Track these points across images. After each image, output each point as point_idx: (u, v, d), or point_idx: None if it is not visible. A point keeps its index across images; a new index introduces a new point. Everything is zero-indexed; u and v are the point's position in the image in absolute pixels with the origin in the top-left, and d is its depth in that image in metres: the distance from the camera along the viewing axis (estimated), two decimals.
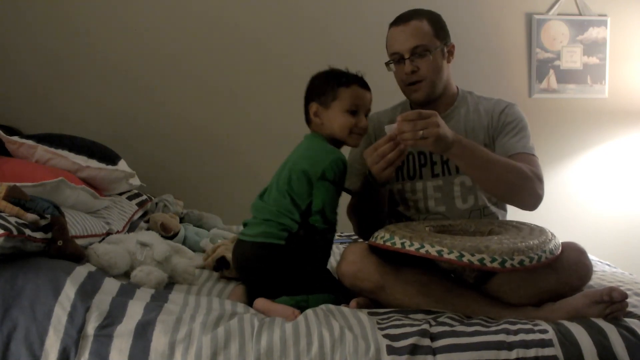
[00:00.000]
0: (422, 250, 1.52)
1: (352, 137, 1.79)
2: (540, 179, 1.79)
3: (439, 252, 1.50)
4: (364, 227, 1.96)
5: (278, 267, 1.71)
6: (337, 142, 1.82)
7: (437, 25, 1.89)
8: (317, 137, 1.81)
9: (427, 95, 1.89)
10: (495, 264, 1.48)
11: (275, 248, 1.71)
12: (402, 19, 1.89)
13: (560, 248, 1.63)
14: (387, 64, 1.92)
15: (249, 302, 1.71)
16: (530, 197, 1.78)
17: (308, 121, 1.85)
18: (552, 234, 1.67)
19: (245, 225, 1.83)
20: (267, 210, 1.75)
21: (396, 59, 1.89)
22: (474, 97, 1.99)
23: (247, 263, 1.76)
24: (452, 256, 1.49)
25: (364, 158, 1.71)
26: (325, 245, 1.81)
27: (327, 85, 1.80)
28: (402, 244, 1.56)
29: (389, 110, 2.05)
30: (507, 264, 1.48)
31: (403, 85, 1.92)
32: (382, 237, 1.62)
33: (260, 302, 1.64)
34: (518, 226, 1.74)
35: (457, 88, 2.00)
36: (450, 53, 1.93)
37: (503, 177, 1.72)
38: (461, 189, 1.91)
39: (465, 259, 1.48)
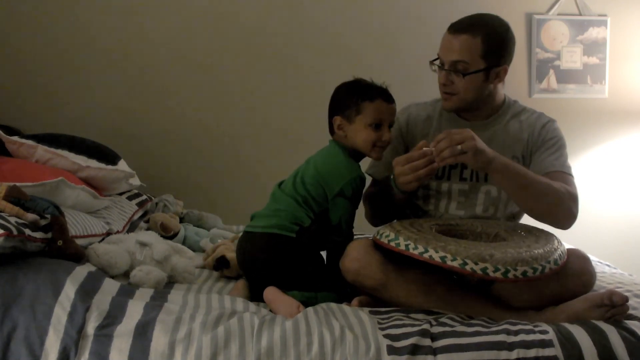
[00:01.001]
0: (426, 255, 1.52)
1: (375, 151, 1.79)
2: (575, 199, 1.76)
3: (442, 258, 1.50)
4: (376, 218, 1.98)
5: (285, 260, 1.72)
6: (359, 154, 1.82)
7: (492, 45, 1.78)
8: (339, 148, 1.81)
9: (456, 108, 1.86)
10: (498, 274, 1.47)
11: (286, 240, 1.72)
12: (456, 28, 1.80)
13: (566, 257, 1.62)
14: (431, 62, 1.86)
15: (251, 297, 1.71)
16: (565, 217, 1.75)
17: (331, 131, 1.84)
18: (558, 242, 1.65)
19: (252, 218, 1.83)
20: (284, 200, 1.76)
21: (438, 63, 1.85)
22: (517, 107, 1.94)
23: (255, 254, 1.76)
24: (456, 263, 1.48)
25: (393, 165, 1.70)
26: (338, 249, 1.80)
27: (351, 99, 1.78)
28: (407, 246, 1.56)
29: (428, 104, 1.99)
30: (510, 275, 1.48)
31: (440, 90, 1.88)
32: (387, 236, 1.62)
33: (270, 290, 1.64)
34: (525, 232, 1.72)
35: (505, 97, 1.93)
36: (498, 76, 1.83)
37: (540, 196, 1.70)
38: (485, 197, 1.88)
39: (468, 267, 1.48)
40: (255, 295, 1.73)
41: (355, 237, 1.84)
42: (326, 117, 1.86)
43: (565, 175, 1.81)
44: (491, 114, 1.91)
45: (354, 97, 1.78)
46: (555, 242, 1.65)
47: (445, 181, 1.90)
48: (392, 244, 1.59)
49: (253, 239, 1.78)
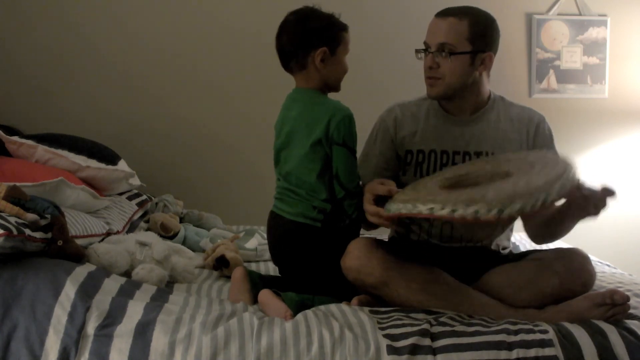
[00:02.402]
0: (415, 211, 1.46)
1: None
2: None
3: (430, 209, 1.42)
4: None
5: (314, 250, 1.71)
6: (325, 91, 1.78)
7: (478, 30, 1.77)
8: (312, 94, 1.75)
9: (442, 94, 1.82)
10: (493, 214, 1.33)
11: (313, 230, 1.72)
12: (444, 12, 1.80)
13: (576, 180, 1.46)
14: (417, 51, 1.84)
15: (252, 287, 1.71)
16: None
17: (302, 66, 1.74)
18: (568, 166, 1.48)
19: (277, 199, 1.81)
20: (296, 193, 1.75)
21: (424, 49, 1.82)
22: (505, 104, 1.92)
23: (286, 239, 1.76)
24: (444, 212, 1.39)
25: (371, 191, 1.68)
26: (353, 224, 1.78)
27: (332, 29, 1.73)
28: (397, 209, 1.51)
29: (412, 103, 1.95)
30: (506, 212, 1.33)
31: (425, 76, 1.85)
32: (386, 210, 1.58)
33: (264, 293, 1.64)
34: (533, 161, 1.58)
35: (490, 92, 1.92)
36: (484, 63, 1.80)
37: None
38: None
39: (457, 214, 1.37)
40: (256, 285, 1.71)
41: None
42: None
43: None
44: (477, 109, 1.88)
45: (334, 27, 1.74)
46: (564, 166, 1.48)
47: None
48: (385, 215, 1.57)
49: (284, 224, 1.76)
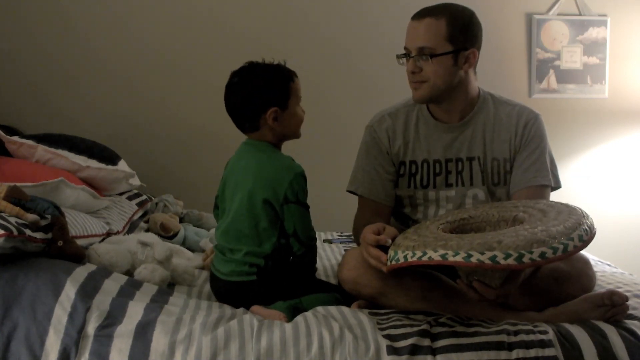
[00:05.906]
0: (425, 258, 1.36)
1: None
2: None
3: (442, 256, 1.33)
4: None
5: (256, 299, 1.64)
6: (281, 143, 1.77)
7: (457, 27, 1.73)
8: (266, 149, 1.73)
9: (428, 97, 1.79)
10: (511, 260, 1.26)
11: (248, 284, 1.68)
12: (420, 14, 1.76)
13: (595, 230, 1.42)
14: (398, 56, 1.81)
15: None
16: None
17: (255, 128, 1.72)
18: (583, 215, 1.46)
19: (215, 255, 1.78)
20: (231, 251, 1.71)
21: (405, 53, 1.79)
22: (496, 102, 1.87)
23: (226, 298, 1.71)
24: (459, 258, 1.29)
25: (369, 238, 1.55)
26: (306, 266, 1.76)
27: (279, 85, 1.70)
28: (405, 257, 1.41)
29: (400, 110, 1.91)
30: (525, 259, 1.26)
31: (409, 81, 1.82)
32: (390, 258, 1.49)
33: (254, 308, 1.62)
34: (545, 209, 1.52)
35: (479, 90, 1.87)
36: (468, 60, 1.76)
37: None
38: (473, 202, 1.84)
39: (473, 259, 1.28)
40: None
41: (350, 239, 1.80)
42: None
43: (544, 189, 1.80)
44: (467, 113, 1.85)
45: (280, 82, 1.70)
46: (580, 215, 1.45)
47: (431, 189, 1.86)
48: (393, 262, 1.45)
49: (219, 284, 1.73)
